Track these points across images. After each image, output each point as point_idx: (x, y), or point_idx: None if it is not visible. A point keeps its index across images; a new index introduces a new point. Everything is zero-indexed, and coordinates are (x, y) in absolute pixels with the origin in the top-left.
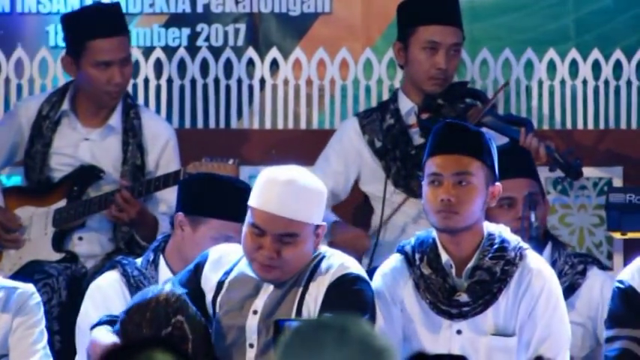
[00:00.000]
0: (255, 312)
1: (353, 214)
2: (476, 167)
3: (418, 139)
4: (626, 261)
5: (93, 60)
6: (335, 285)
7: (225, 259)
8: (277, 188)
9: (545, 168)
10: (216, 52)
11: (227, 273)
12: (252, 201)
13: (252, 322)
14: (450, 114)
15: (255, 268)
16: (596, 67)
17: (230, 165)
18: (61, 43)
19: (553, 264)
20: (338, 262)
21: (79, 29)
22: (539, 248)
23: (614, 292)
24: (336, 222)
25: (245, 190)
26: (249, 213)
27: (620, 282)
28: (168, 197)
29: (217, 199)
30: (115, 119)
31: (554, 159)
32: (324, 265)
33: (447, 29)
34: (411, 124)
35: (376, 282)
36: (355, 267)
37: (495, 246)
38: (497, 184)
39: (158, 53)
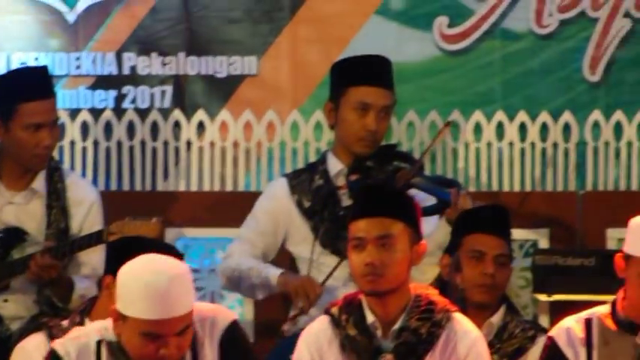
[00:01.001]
0: None
1: None
2: (399, 229)
3: (347, 201)
4: (552, 323)
5: (23, 123)
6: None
7: None
8: (160, 293)
9: None
10: (143, 113)
11: None
12: (137, 312)
13: None
14: (379, 176)
15: None
16: (523, 129)
17: (153, 222)
18: None
19: (504, 326)
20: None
21: (9, 92)
22: (492, 310)
23: (542, 349)
24: (282, 272)
25: (170, 252)
26: (132, 323)
27: (548, 338)
28: (90, 259)
29: None
30: (39, 183)
31: None
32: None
33: (378, 91)
34: (339, 185)
35: (301, 343)
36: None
37: (422, 307)
38: (423, 242)
39: (84, 115)
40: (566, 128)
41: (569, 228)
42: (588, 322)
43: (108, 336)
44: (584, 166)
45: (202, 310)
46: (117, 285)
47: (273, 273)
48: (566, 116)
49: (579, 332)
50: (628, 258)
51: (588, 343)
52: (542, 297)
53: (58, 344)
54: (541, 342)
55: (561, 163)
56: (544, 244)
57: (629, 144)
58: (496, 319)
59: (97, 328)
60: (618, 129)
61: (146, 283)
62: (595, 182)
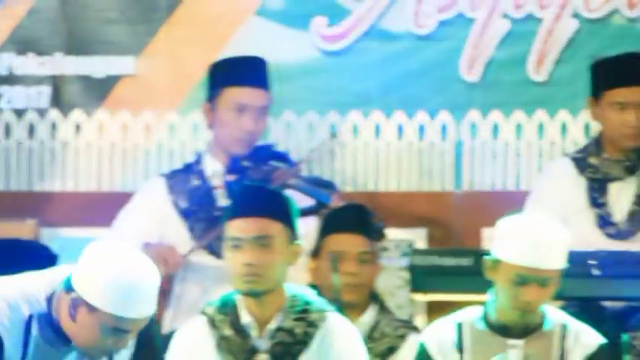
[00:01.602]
0: None
1: None
2: (276, 229)
3: (223, 201)
4: (429, 323)
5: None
6: None
7: None
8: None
9: None
10: (19, 114)
11: None
12: (109, 307)
13: None
14: (255, 176)
15: None
16: (400, 129)
17: (27, 223)
18: None
19: (375, 325)
20: None
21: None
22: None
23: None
24: (147, 242)
25: (45, 253)
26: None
27: (420, 344)
28: None
29: (17, 263)
30: None
31: None
32: None
33: (255, 91)
34: (216, 185)
35: (176, 344)
36: None
37: (298, 307)
38: (299, 242)
39: None
40: (444, 128)
41: (446, 228)
42: (459, 326)
43: (39, 309)
44: (461, 165)
45: None
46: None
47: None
48: (444, 116)
49: (451, 336)
50: (497, 261)
51: (460, 346)
52: (420, 297)
53: None
54: (412, 340)
55: (437, 163)
56: (421, 243)
57: (506, 144)
58: (367, 318)
59: (26, 299)
60: (495, 129)
61: (125, 280)
62: (472, 182)
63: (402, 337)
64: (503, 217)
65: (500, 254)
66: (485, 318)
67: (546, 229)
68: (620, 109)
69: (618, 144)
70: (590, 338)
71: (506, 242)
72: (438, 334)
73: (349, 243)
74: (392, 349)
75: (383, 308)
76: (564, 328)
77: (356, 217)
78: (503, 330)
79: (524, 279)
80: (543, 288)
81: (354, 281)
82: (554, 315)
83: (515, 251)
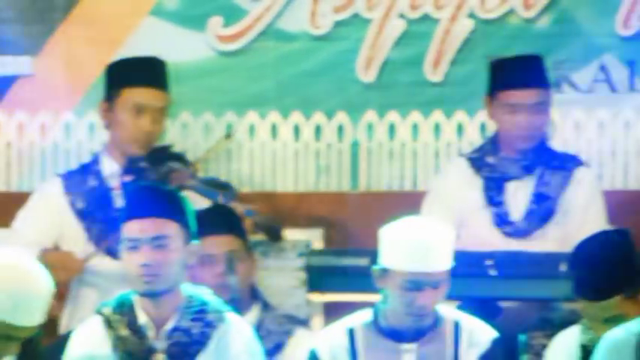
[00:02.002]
0: None
1: None
2: (172, 229)
3: (120, 202)
4: (326, 322)
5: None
6: None
7: None
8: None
9: None
10: None
11: None
12: None
13: None
14: (153, 177)
15: None
16: (297, 130)
17: None
18: None
19: (260, 324)
20: None
21: None
22: (243, 308)
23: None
24: (45, 249)
25: None
26: None
27: (311, 351)
28: None
29: None
30: None
31: (256, 222)
32: None
33: (152, 92)
34: (113, 186)
35: (72, 345)
36: None
37: (195, 308)
38: (195, 242)
39: None
40: (340, 129)
41: (343, 228)
42: (351, 331)
43: None
44: (358, 166)
45: None
46: None
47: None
48: (340, 117)
49: (342, 342)
50: (385, 270)
51: (352, 352)
52: (316, 297)
53: None
54: (300, 335)
55: (335, 164)
56: (318, 244)
57: (403, 144)
58: (250, 317)
59: None
60: (392, 129)
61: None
62: (369, 182)
63: (289, 333)
64: (388, 223)
65: (387, 263)
66: (376, 323)
67: (429, 231)
68: (511, 111)
69: (512, 145)
70: (483, 335)
71: (391, 250)
72: (329, 340)
73: (216, 244)
74: (279, 346)
75: (266, 306)
76: (457, 326)
77: (220, 219)
78: (395, 334)
79: (415, 284)
80: (435, 290)
81: (223, 282)
82: (447, 313)
83: (401, 258)
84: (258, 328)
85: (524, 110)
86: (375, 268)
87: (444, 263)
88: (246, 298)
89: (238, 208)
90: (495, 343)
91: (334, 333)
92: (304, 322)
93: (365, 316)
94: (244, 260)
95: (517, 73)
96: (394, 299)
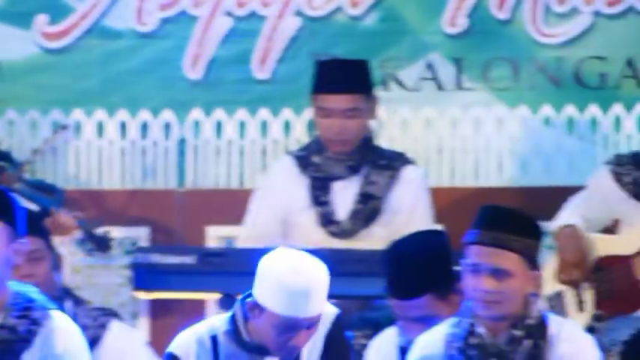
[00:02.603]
0: None
1: None
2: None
3: None
4: (153, 321)
5: None
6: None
7: None
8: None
9: None
10: None
11: None
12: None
13: None
14: None
15: None
16: (123, 127)
17: None
18: None
19: (74, 318)
20: None
21: None
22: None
23: None
24: None
25: None
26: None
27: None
28: None
29: None
30: None
31: (86, 232)
32: None
33: None
34: None
35: None
36: None
37: (20, 305)
38: (22, 240)
39: None
40: (167, 126)
41: (169, 226)
42: (214, 339)
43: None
44: (185, 164)
45: None
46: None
47: None
48: (167, 114)
49: (207, 350)
50: (260, 305)
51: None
52: (142, 295)
53: None
54: (115, 327)
55: (162, 161)
56: (144, 242)
57: (230, 142)
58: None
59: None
60: (219, 127)
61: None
62: (195, 180)
63: (104, 326)
64: (264, 258)
65: (262, 301)
66: (237, 333)
67: (309, 277)
68: (325, 115)
69: (329, 148)
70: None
71: (269, 290)
72: (191, 346)
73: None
74: (96, 340)
75: (77, 301)
76: None
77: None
78: (259, 350)
79: (290, 327)
80: (309, 330)
81: (47, 279)
82: None
83: (279, 302)
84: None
85: (336, 115)
86: (250, 301)
87: (320, 306)
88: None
89: (67, 217)
90: (338, 318)
91: (195, 337)
92: (117, 315)
93: (222, 324)
94: (42, 259)
95: (331, 78)
96: (267, 334)
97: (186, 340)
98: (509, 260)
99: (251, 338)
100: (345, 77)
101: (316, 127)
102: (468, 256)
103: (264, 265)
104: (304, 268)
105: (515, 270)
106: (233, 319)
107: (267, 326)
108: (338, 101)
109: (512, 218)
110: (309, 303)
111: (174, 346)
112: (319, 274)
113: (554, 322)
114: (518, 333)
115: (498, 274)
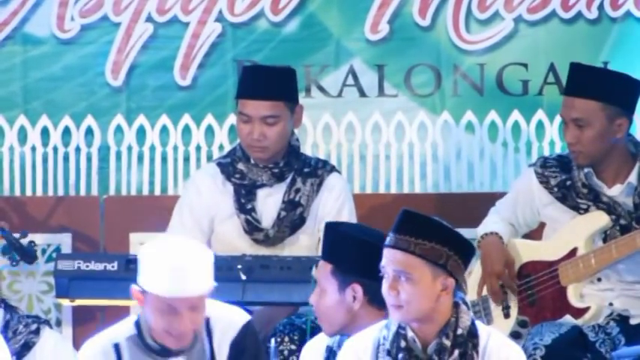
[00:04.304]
0: None
1: None
2: None
3: None
4: (76, 328)
5: None
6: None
7: None
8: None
9: None
10: None
11: None
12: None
13: None
14: None
15: None
16: (45, 134)
17: None
18: None
19: (7, 325)
20: None
21: None
22: None
23: None
24: None
25: None
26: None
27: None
28: None
29: None
30: None
31: (10, 242)
32: None
33: None
34: None
35: None
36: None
37: None
38: None
39: None
40: (89, 132)
41: (92, 233)
42: (117, 347)
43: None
44: (107, 170)
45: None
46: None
47: None
48: (89, 121)
49: (109, 357)
50: (144, 291)
51: None
52: (65, 302)
53: None
54: (47, 334)
55: (84, 168)
56: (67, 249)
57: (153, 148)
58: None
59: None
60: (141, 133)
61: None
62: (118, 187)
63: (37, 332)
64: (146, 245)
65: (145, 285)
66: (141, 337)
67: (187, 255)
68: (245, 121)
69: (250, 154)
70: (234, 321)
71: (149, 273)
72: (95, 355)
73: None
74: (28, 345)
75: (9, 307)
76: (207, 320)
77: None
78: (161, 351)
79: (173, 308)
80: (193, 312)
81: None
82: None
83: (159, 283)
84: (5, 329)
85: (255, 121)
86: (135, 287)
87: (202, 286)
88: None
89: None
90: (246, 326)
91: (99, 348)
92: (48, 322)
93: (127, 329)
94: None
95: (253, 84)
96: (154, 320)
97: (90, 351)
98: (410, 264)
99: (154, 340)
100: (266, 84)
101: (237, 133)
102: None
103: (144, 251)
104: (180, 248)
105: (417, 274)
106: (138, 323)
107: (153, 311)
108: (258, 107)
109: (418, 222)
110: (187, 281)
111: (81, 357)
112: (196, 254)
113: (484, 332)
114: (447, 342)
115: (402, 277)
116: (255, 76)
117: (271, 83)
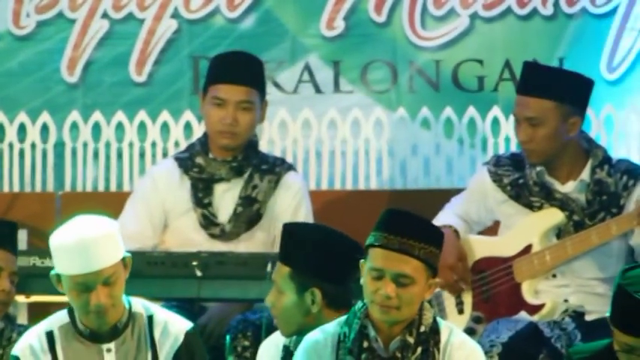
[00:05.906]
0: None
1: None
2: None
3: None
4: (30, 324)
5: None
6: None
7: None
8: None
9: None
10: None
11: None
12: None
13: None
14: None
15: None
16: (1, 130)
17: None
18: None
19: (1, 333)
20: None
21: None
22: None
23: None
24: None
25: None
26: None
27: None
28: None
29: None
30: None
31: None
32: None
33: None
34: None
35: None
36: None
37: None
38: None
39: None
40: (45, 129)
41: (48, 229)
42: (50, 335)
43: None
44: (63, 166)
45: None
46: None
47: None
48: (45, 117)
49: (43, 347)
50: (58, 275)
51: (53, 357)
52: (21, 298)
53: None
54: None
55: (40, 164)
56: (23, 245)
57: (108, 144)
58: None
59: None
60: (97, 130)
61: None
62: (74, 183)
63: None
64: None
65: (57, 269)
66: (74, 324)
67: (87, 230)
68: (218, 105)
69: (216, 142)
70: (176, 328)
71: (56, 255)
72: (30, 347)
73: None
74: None
75: (5, 316)
76: (150, 319)
77: None
78: (93, 335)
79: (85, 285)
80: (108, 286)
81: None
82: (139, 309)
83: (65, 262)
84: (0, 337)
85: (230, 106)
86: (52, 274)
87: (109, 258)
88: None
89: None
90: (189, 334)
91: (33, 339)
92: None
93: (61, 317)
94: None
95: (229, 69)
96: (72, 301)
97: (26, 340)
98: (413, 267)
99: (84, 325)
100: (243, 69)
101: (206, 120)
102: (372, 259)
103: (52, 237)
104: (77, 226)
105: (417, 277)
106: (71, 311)
107: (70, 293)
108: (234, 91)
109: (418, 225)
110: (93, 256)
111: (17, 348)
112: (99, 228)
113: (446, 329)
114: (410, 340)
115: (401, 280)
116: (232, 61)
117: (248, 70)
